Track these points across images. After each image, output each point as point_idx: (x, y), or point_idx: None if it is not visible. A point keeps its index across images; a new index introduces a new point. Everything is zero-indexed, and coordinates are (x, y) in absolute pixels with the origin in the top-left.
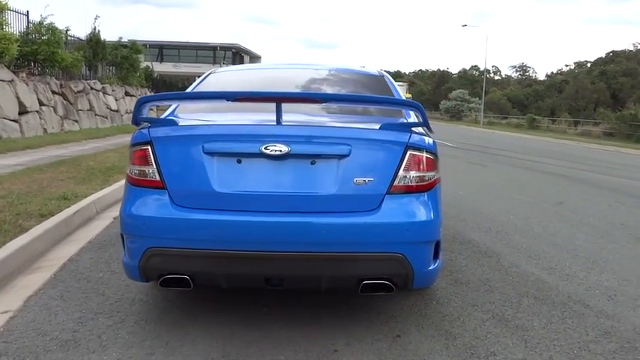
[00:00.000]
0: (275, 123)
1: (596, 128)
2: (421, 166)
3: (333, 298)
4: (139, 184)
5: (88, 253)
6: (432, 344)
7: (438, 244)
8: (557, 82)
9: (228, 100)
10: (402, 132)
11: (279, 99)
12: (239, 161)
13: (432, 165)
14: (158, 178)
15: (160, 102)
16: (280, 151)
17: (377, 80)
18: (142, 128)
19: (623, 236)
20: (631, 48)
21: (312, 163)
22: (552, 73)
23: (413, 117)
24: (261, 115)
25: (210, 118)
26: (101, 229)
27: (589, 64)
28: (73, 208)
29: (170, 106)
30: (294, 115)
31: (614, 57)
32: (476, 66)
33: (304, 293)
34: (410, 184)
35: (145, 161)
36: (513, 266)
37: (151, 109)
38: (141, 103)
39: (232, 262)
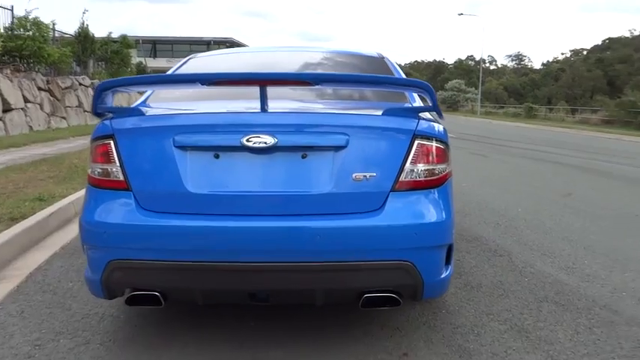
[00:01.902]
0: (259, 110)
1: (594, 116)
2: (431, 158)
3: (329, 309)
4: (100, 186)
5: (59, 261)
6: None
7: (450, 248)
8: (554, 70)
9: (203, 84)
10: (408, 118)
11: (262, 81)
12: (216, 156)
13: (443, 156)
14: (122, 177)
15: (124, 87)
16: (265, 143)
17: (376, 62)
18: (105, 119)
19: (637, 224)
20: (627, 35)
21: (304, 157)
22: (548, 61)
23: (418, 101)
24: (245, 103)
25: (185, 107)
26: (77, 232)
27: (585, 52)
28: (49, 210)
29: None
30: (282, 101)
31: (610, 44)
32: (472, 56)
33: (297, 305)
34: (418, 179)
35: (107, 158)
36: (528, 266)
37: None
38: (101, 90)
39: (210, 276)
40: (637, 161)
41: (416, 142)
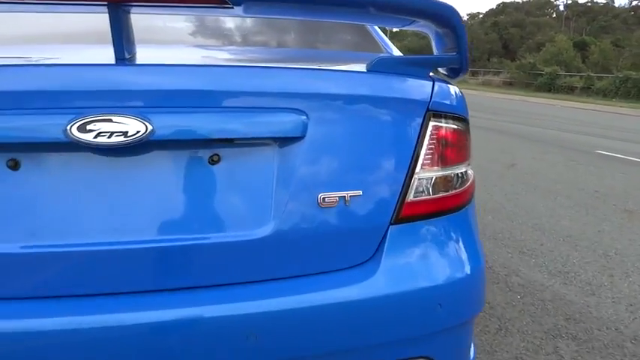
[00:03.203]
0: (111, 62)
1: (496, 78)
2: (453, 153)
3: None
4: None
5: None
6: None
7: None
8: None
9: None
10: (416, 78)
11: None
12: (13, 165)
13: (467, 149)
14: None
15: None
16: (125, 134)
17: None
18: None
19: (608, 209)
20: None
21: (213, 162)
22: None
23: (396, 50)
24: (80, 49)
25: None
26: None
27: (481, 16)
28: None
29: None
30: (163, 48)
31: (504, 8)
32: None
33: None
34: (437, 194)
35: None
36: (512, 273)
37: None
38: None
39: None
40: (554, 123)
41: (431, 126)
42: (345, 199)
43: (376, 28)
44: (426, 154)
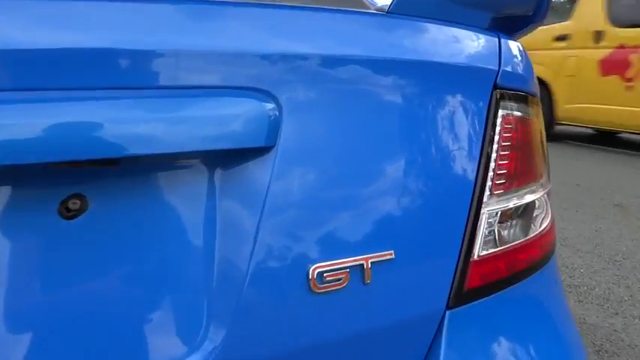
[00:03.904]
0: None
1: None
2: (525, 165)
3: None
4: None
5: None
6: None
7: None
8: None
9: None
10: (470, 29)
11: None
12: None
13: (541, 155)
14: None
15: None
16: None
17: None
18: None
19: (598, 204)
20: None
21: (69, 214)
22: None
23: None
24: None
25: None
26: None
27: None
28: None
29: None
30: None
31: None
32: None
33: None
34: (511, 242)
35: None
36: None
37: None
38: None
39: None
40: None
41: (500, 115)
42: (364, 272)
43: None
44: (496, 169)
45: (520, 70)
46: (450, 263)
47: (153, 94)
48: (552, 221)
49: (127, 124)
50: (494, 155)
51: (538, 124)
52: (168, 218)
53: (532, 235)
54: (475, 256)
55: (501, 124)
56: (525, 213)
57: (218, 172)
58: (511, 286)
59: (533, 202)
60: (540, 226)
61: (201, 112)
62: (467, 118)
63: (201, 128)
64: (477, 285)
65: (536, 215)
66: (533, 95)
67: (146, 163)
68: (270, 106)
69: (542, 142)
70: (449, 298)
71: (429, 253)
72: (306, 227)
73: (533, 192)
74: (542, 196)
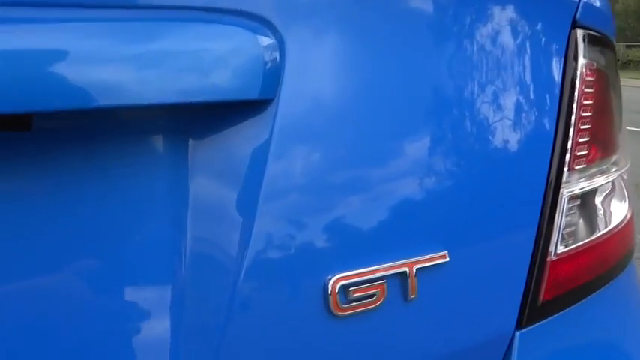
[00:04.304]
0: None
1: None
2: (606, 132)
3: None
4: None
5: None
6: None
7: None
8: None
9: None
10: None
11: None
12: None
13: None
14: None
15: None
16: None
17: None
18: None
19: None
20: None
21: None
22: None
23: None
24: None
25: None
26: None
27: None
28: None
29: None
30: None
31: None
32: None
33: None
34: (591, 236)
35: None
36: None
37: None
38: None
39: None
40: None
41: (581, 64)
42: (407, 283)
43: None
44: (577, 135)
45: (600, 4)
46: (521, 265)
47: (88, 16)
48: (632, 207)
49: (44, 61)
50: (573, 118)
51: (618, 79)
52: (126, 199)
53: (616, 225)
54: (552, 255)
55: (581, 77)
56: (609, 195)
57: (192, 138)
58: (593, 293)
59: (616, 180)
60: (623, 213)
61: (167, 47)
62: (539, 65)
63: (168, 72)
64: (555, 293)
65: (619, 198)
66: (611, 41)
67: (70, 125)
68: (268, 41)
69: (620, 104)
70: (520, 313)
71: (494, 252)
72: (318, 220)
73: (617, 167)
74: (623, 174)
